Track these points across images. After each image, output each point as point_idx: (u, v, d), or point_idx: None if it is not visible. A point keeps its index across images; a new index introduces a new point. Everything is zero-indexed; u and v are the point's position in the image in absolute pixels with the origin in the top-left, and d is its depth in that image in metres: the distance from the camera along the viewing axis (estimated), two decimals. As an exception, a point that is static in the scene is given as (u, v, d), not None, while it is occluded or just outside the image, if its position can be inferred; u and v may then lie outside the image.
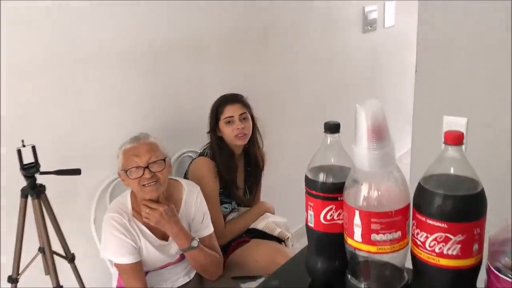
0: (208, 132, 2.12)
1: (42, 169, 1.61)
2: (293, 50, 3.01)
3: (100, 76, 1.95)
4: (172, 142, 2.26)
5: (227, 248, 2.07)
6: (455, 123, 1.61)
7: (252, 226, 2.13)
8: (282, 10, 2.82)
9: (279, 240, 2.11)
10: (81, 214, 1.94)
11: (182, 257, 1.87)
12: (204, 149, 2.14)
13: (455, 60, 1.58)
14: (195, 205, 1.87)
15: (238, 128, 2.05)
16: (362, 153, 0.85)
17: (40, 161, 1.73)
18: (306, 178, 0.98)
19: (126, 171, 1.69)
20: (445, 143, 0.84)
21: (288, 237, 2.08)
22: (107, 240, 1.72)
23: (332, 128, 0.96)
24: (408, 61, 4.31)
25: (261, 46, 2.74)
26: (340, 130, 0.98)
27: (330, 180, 0.94)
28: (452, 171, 0.83)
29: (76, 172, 1.58)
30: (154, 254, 1.78)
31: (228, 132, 2.07)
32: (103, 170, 1.96)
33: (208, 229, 1.90)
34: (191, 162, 2.12)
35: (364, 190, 0.85)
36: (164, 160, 1.74)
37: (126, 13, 2.00)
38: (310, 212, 0.96)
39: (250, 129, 2.12)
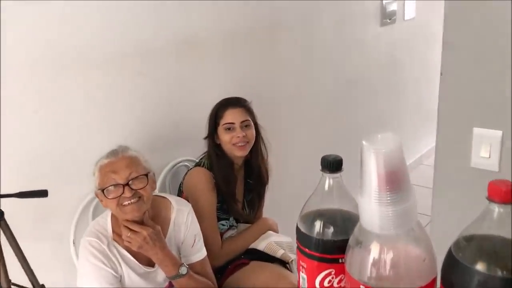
0: (205, 138, 1.90)
1: (12, 187, 1.41)
2: (303, 48, 2.75)
3: (82, 80, 1.73)
4: (167, 150, 2.04)
5: (223, 271, 1.84)
6: (487, 136, 1.39)
7: (252, 246, 1.90)
8: (290, 3, 2.56)
9: (283, 263, 1.89)
10: (60, 234, 1.73)
11: (171, 285, 1.66)
12: (201, 158, 1.92)
13: (487, 63, 1.35)
14: (186, 226, 1.66)
15: (238, 136, 1.82)
16: (370, 208, 0.61)
17: (12, 177, 1.55)
18: (298, 230, 0.74)
19: (103, 190, 1.48)
20: (490, 198, 0.60)
21: (292, 260, 1.84)
22: (83, 267, 1.52)
23: (332, 166, 0.72)
24: (430, 57, 4.07)
25: (267, 44, 2.50)
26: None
27: (329, 235, 0.70)
28: (498, 236, 0.59)
29: (42, 194, 1.36)
30: (138, 283, 1.57)
31: (227, 139, 1.84)
32: (85, 185, 1.74)
33: (200, 253, 1.69)
34: (186, 173, 1.90)
35: (372, 257, 0.62)
36: (146, 175, 1.53)
37: (112, 8, 1.77)
38: (303, 275, 0.73)
39: (252, 138, 1.88)
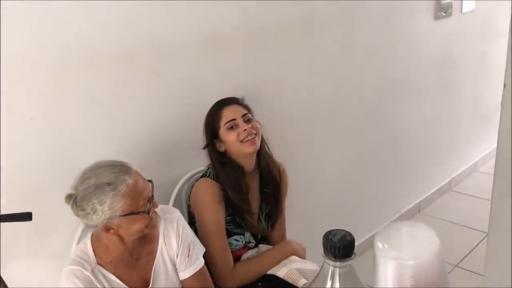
0: (204, 148, 1.70)
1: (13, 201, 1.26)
2: (343, 44, 2.48)
3: (86, 82, 1.56)
4: (184, 159, 1.86)
5: (236, 298, 1.64)
6: None
7: (271, 272, 1.68)
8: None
9: (305, 293, 1.65)
10: (60, 252, 1.57)
11: None
12: (208, 168, 1.72)
13: None
14: (177, 236, 1.47)
15: (245, 130, 1.63)
16: None
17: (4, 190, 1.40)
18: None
19: (132, 214, 1.32)
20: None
21: (315, 293, 1.61)
22: None
23: (341, 252, 0.48)
24: (490, 54, 3.67)
25: (299, 42, 2.25)
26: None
27: None
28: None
29: (26, 217, 1.20)
30: None
31: (233, 139, 1.64)
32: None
33: (198, 261, 1.51)
34: (193, 186, 1.71)
35: None
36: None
37: (120, 3, 1.58)
38: None
39: (259, 130, 1.68)
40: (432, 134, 3.36)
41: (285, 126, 2.28)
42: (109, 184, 1.27)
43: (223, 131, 1.65)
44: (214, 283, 1.64)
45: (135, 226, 1.33)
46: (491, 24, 3.46)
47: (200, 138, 1.80)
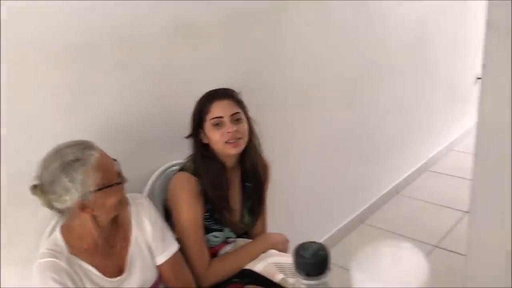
0: (188, 137, 1.62)
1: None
2: (316, 28, 2.42)
3: (45, 76, 1.46)
4: (156, 152, 1.77)
5: (211, 295, 1.58)
6: None
7: (248, 266, 1.62)
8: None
9: (285, 288, 1.60)
10: (25, 259, 1.45)
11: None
12: (187, 161, 1.64)
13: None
14: (150, 220, 1.44)
15: (229, 132, 1.55)
16: None
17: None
18: None
19: (104, 188, 1.26)
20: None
21: (292, 288, 1.56)
22: None
23: (315, 269, 0.42)
24: (465, 34, 3.65)
25: (272, 26, 2.17)
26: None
27: None
28: None
29: None
30: None
31: (217, 137, 1.56)
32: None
33: (172, 246, 1.49)
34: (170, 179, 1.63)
35: None
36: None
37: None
38: None
39: (245, 133, 1.60)
40: (408, 115, 3.34)
41: (261, 113, 2.21)
42: (77, 160, 1.22)
43: (208, 126, 1.57)
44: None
45: (109, 201, 1.28)
46: (463, 3, 3.44)
47: (173, 132, 1.72)
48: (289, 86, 2.33)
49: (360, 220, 3.12)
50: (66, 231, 1.34)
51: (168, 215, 1.64)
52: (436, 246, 2.81)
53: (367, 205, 3.16)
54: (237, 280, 1.60)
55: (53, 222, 1.43)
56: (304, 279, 0.43)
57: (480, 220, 1.26)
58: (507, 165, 1.13)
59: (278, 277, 1.56)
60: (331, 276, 0.56)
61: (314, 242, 0.45)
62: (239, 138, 1.57)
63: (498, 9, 1.05)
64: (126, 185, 1.59)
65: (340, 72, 2.65)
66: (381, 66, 2.95)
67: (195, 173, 1.59)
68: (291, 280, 1.58)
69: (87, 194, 1.23)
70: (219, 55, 1.95)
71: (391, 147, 3.27)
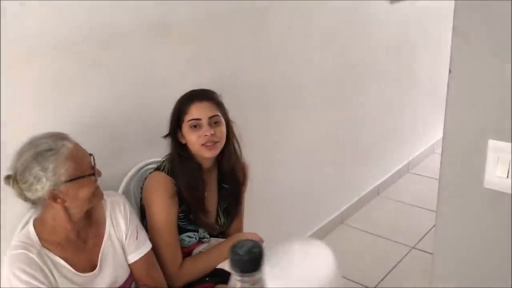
0: (166, 136, 1.63)
1: None
2: (297, 31, 2.44)
3: (22, 72, 1.45)
4: (131, 151, 1.78)
5: (183, 295, 1.59)
6: (506, 151, 1.11)
7: (220, 266, 1.64)
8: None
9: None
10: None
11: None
12: (163, 160, 1.65)
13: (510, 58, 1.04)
14: (125, 217, 1.47)
15: (206, 135, 1.55)
16: None
17: None
18: None
19: (78, 178, 1.27)
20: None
21: (266, 286, 1.57)
22: (13, 286, 1.27)
23: (249, 265, 0.44)
24: (446, 36, 3.68)
25: (253, 27, 2.19)
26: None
27: None
28: None
29: None
30: None
31: (193, 139, 1.57)
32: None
33: (146, 244, 1.51)
34: (146, 179, 1.64)
35: None
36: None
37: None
38: None
39: (222, 136, 1.61)
40: (390, 117, 3.38)
41: (243, 113, 2.22)
42: (49, 150, 1.24)
43: (185, 127, 1.58)
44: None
45: (82, 193, 1.29)
46: (447, 6, 3.48)
47: (151, 130, 1.73)
48: (272, 87, 2.35)
49: (341, 220, 3.15)
50: (39, 224, 1.35)
51: (143, 214, 1.65)
52: (414, 248, 2.85)
53: (347, 205, 3.20)
54: (208, 279, 1.61)
55: (27, 215, 1.42)
56: (239, 275, 0.45)
57: (446, 218, 1.30)
58: (470, 166, 1.16)
59: (250, 276, 1.57)
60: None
61: (250, 241, 0.46)
62: (216, 142, 1.58)
63: (464, 14, 1.07)
64: (100, 181, 1.61)
65: (324, 73, 2.67)
66: (364, 68, 2.98)
67: (171, 173, 1.59)
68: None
69: (59, 184, 1.24)
70: (199, 55, 1.96)
71: (373, 148, 3.30)
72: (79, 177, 1.27)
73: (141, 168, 1.77)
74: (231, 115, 2.13)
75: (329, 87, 2.76)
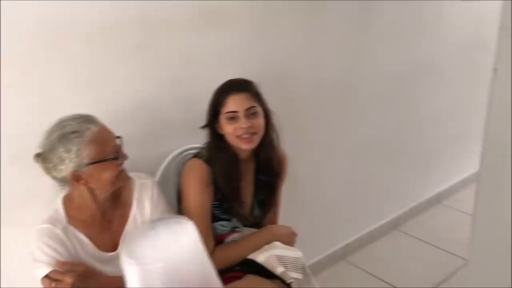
0: (203, 127, 1.63)
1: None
2: (358, 23, 2.35)
3: (68, 51, 1.51)
4: (172, 136, 1.80)
5: (213, 283, 1.59)
6: None
7: (251, 257, 1.62)
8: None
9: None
10: (31, 225, 1.45)
11: None
12: (202, 148, 1.66)
13: None
14: (151, 202, 1.48)
15: (242, 127, 1.55)
16: None
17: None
18: None
19: (101, 161, 1.30)
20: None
21: (291, 281, 1.53)
22: (37, 258, 1.33)
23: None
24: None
25: (308, 17, 2.13)
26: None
27: None
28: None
29: None
30: (100, 270, 1.39)
31: (230, 131, 1.57)
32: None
33: None
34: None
35: None
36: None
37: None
38: None
39: (260, 128, 1.59)
40: (458, 120, 3.19)
41: (290, 108, 2.20)
42: (74, 132, 1.27)
43: (223, 118, 1.58)
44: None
45: (105, 175, 1.32)
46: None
47: (192, 118, 1.75)
48: (319, 81, 2.29)
49: (394, 226, 3.03)
50: (67, 201, 1.40)
51: (180, 198, 1.67)
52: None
53: (402, 211, 3.06)
54: (238, 268, 1.61)
55: (59, 191, 1.49)
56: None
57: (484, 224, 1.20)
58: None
59: (278, 270, 1.55)
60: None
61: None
62: (253, 134, 1.56)
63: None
64: (139, 163, 1.65)
65: (384, 70, 2.57)
66: (430, 67, 2.83)
67: (208, 161, 1.60)
68: (292, 274, 1.56)
69: (81, 166, 1.28)
70: (246, 44, 1.94)
71: (436, 153, 3.13)
72: (101, 160, 1.29)
73: (181, 153, 1.79)
74: (277, 109, 2.10)
75: (389, 86, 2.65)
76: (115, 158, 1.33)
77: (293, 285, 1.54)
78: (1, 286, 1.51)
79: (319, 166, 2.45)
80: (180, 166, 1.74)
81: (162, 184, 1.75)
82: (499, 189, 1.12)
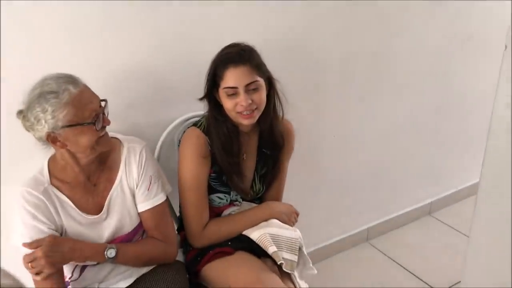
0: (201, 99, 1.54)
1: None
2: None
3: (72, 7, 1.47)
4: (179, 101, 1.73)
5: (203, 256, 1.54)
6: None
7: (245, 232, 1.55)
8: None
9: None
10: None
11: (130, 237, 1.45)
12: (202, 117, 1.59)
13: None
14: (139, 166, 1.42)
15: (242, 105, 1.44)
16: None
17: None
18: None
19: (77, 125, 1.25)
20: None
21: (282, 262, 1.45)
22: (15, 222, 1.33)
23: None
24: None
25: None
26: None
27: None
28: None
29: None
30: (82, 234, 1.37)
31: (229, 107, 1.47)
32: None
33: (159, 197, 1.46)
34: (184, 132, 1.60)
35: None
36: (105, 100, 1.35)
37: None
38: None
39: (261, 103, 1.48)
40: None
41: (314, 79, 2.08)
42: (51, 92, 1.23)
43: (222, 92, 1.47)
44: (186, 239, 1.58)
45: (83, 140, 1.27)
46: None
47: (198, 84, 1.67)
48: (354, 54, 2.12)
49: (428, 211, 2.85)
50: (52, 162, 1.38)
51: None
52: None
53: (438, 197, 2.87)
54: (230, 244, 1.54)
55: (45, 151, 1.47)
56: None
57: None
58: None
59: (270, 249, 1.47)
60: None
61: None
62: (253, 110, 1.46)
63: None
64: (145, 128, 1.60)
65: (425, 43, 2.36)
66: (482, 41, 2.57)
67: (207, 132, 1.52)
68: (284, 255, 1.48)
69: (57, 128, 1.23)
70: (263, 9, 1.81)
71: (480, 139, 2.87)
72: (78, 124, 1.24)
73: (187, 120, 1.73)
74: (298, 84, 1.98)
75: (431, 60, 2.44)
76: (93, 123, 1.27)
77: (284, 266, 1.46)
78: (1, 242, 1.53)
79: (346, 143, 2.31)
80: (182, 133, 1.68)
81: (168, 151, 1.71)
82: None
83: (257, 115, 1.48)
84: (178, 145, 1.59)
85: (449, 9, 2.37)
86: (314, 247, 2.40)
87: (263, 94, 1.47)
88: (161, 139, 1.69)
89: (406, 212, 2.74)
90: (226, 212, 1.62)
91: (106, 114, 1.33)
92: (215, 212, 1.62)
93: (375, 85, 2.28)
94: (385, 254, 2.51)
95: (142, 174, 1.43)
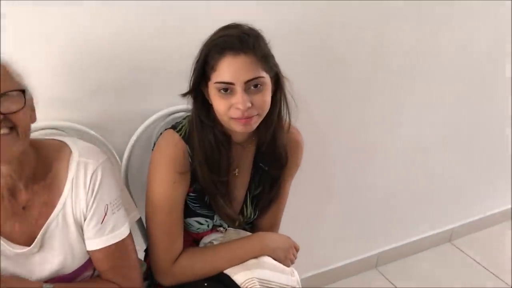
0: (185, 95, 1.15)
1: None
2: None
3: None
4: (161, 92, 1.36)
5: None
6: None
7: (228, 272, 1.18)
8: None
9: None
10: None
11: (73, 277, 1.08)
12: (185, 117, 1.22)
13: None
14: (89, 193, 1.02)
15: (239, 108, 1.06)
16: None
17: None
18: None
19: None
20: None
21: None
22: None
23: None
24: None
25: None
26: None
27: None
28: None
29: None
30: (8, 269, 1.00)
31: (221, 109, 1.08)
32: None
33: (118, 232, 1.06)
34: (161, 134, 1.22)
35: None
36: (23, 92, 0.91)
37: None
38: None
39: (264, 107, 1.09)
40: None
41: (335, 82, 1.71)
42: None
43: (212, 87, 1.08)
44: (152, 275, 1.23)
45: None
46: None
47: (187, 71, 1.29)
48: (384, 47, 1.74)
49: (448, 238, 2.50)
50: None
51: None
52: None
53: (461, 223, 2.52)
54: (205, 285, 1.17)
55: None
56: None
57: None
58: None
59: (257, 301, 1.11)
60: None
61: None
62: (252, 116, 1.07)
63: None
64: (119, 124, 1.27)
65: (470, 40, 1.96)
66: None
67: (188, 139, 1.15)
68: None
69: None
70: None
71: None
72: None
73: (170, 114, 1.36)
74: (312, 84, 1.60)
75: (476, 65, 2.04)
76: None
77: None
78: None
79: (363, 157, 1.95)
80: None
81: (143, 155, 1.34)
82: None
83: (257, 121, 1.10)
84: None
85: (504, 10, 1.97)
86: (315, 271, 2.08)
87: (267, 95, 1.09)
88: (134, 137, 1.32)
89: (422, 238, 2.40)
90: (206, 239, 1.27)
91: (10, 111, 0.89)
92: (193, 238, 1.27)
93: (406, 91, 1.90)
94: (393, 284, 2.18)
95: (92, 203, 1.03)
